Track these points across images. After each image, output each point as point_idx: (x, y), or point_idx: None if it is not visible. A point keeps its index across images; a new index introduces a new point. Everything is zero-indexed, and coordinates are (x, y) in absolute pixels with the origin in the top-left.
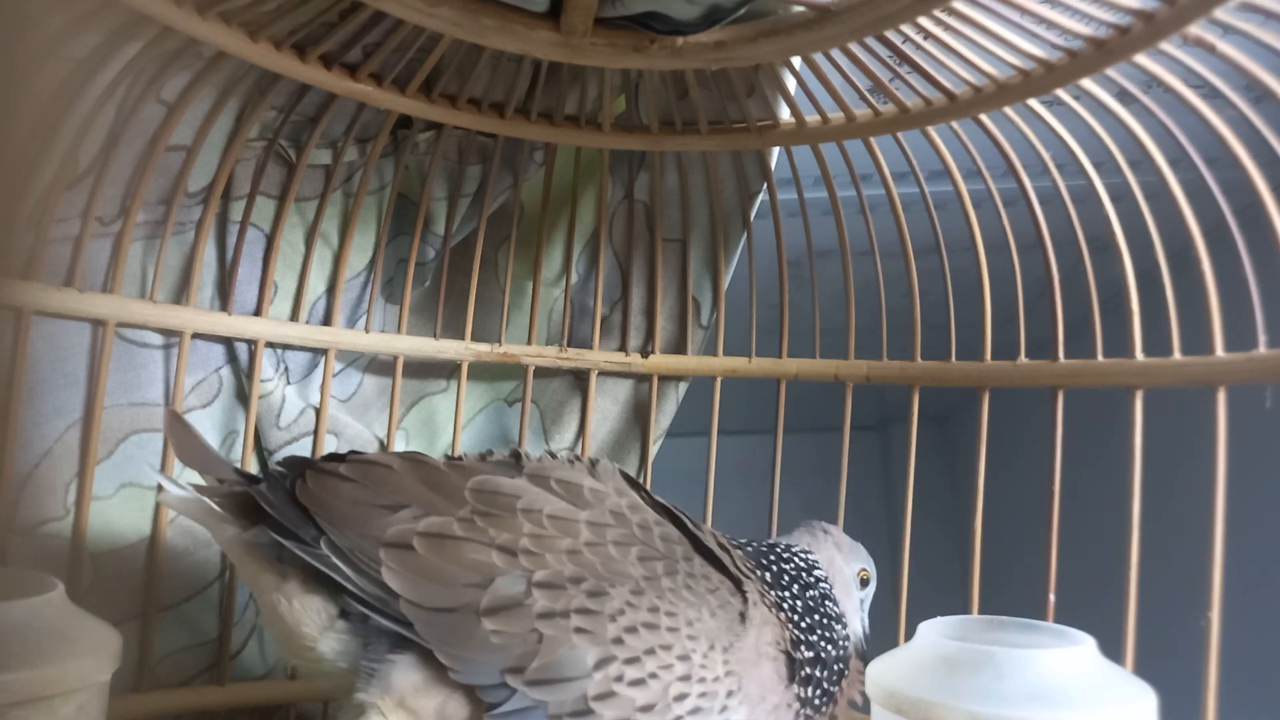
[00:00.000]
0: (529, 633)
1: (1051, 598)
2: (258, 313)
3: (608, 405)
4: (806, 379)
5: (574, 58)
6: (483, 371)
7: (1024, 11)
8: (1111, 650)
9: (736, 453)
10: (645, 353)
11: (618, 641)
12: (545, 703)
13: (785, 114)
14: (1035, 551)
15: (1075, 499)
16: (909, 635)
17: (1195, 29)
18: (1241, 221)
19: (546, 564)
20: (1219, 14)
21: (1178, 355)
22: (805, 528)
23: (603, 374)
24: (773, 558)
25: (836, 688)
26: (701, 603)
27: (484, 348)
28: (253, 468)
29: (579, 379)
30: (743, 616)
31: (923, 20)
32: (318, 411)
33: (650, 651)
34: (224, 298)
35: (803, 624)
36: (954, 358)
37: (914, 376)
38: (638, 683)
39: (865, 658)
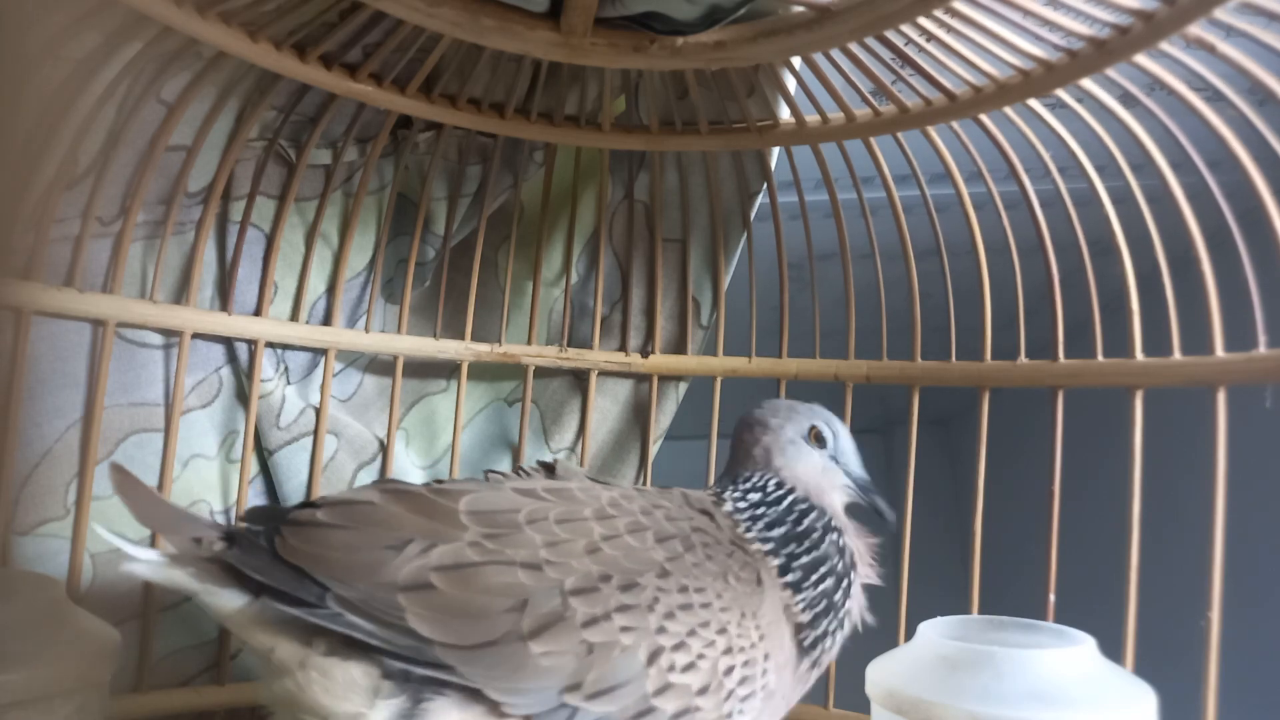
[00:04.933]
0: (578, 645)
1: (1051, 598)
2: (258, 313)
3: (608, 405)
4: (806, 379)
5: (574, 58)
6: (483, 371)
7: (1024, 11)
8: (1111, 650)
9: None
10: (645, 353)
11: (661, 631)
12: (609, 713)
13: (785, 114)
14: (1035, 552)
15: (1075, 499)
16: (909, 635)
17: (1195, 29)
18: (1243, 225)
19: (573, 569)
20: (1220, 14)
21: (1178, 355)
22: (747, 430)
23: (603, 374)
24: (744, 504)
25: (844, 607)
26: (724, 571)
27: (484, 348)
28: (253, 468)
29: (579, 379)
30: (759, 579)
31: (923, 20)
32: (318, 411)
33: (692, 633)
34: (224, 298)
35: (803, 581)
36: (954, 358)
37: (914, 376)
38: (689, 668)
39: (873, 504)
